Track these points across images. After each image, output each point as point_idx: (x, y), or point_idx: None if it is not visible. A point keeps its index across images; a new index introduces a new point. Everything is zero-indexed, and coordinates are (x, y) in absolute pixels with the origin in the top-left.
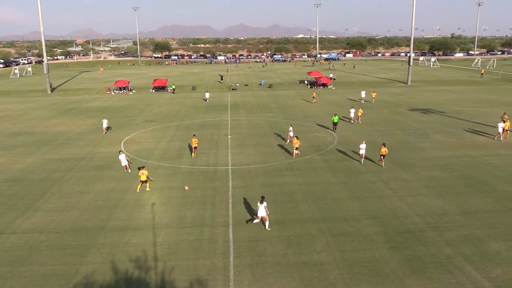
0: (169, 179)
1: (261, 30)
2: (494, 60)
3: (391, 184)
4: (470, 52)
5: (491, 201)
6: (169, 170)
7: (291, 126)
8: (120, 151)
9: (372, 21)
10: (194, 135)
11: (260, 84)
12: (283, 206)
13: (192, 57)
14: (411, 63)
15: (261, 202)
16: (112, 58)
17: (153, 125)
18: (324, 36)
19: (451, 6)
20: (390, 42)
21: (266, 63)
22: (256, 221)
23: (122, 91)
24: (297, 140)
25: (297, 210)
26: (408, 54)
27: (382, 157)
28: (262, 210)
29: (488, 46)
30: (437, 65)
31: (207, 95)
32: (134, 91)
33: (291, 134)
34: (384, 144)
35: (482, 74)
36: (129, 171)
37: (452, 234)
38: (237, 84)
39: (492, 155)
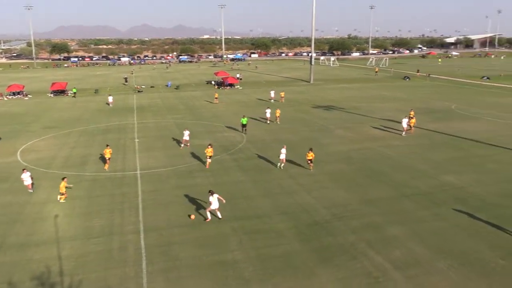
0: (72, 188)
1: (166, 30)
2: (386, 59)
3: (299, 179)
4: (365, 51)
5: (388, 189)
6: (72, 179)
7: (187, 130)
8: (24, 169)
9: (276, 22)
10: (107, 145)
11: (167, 86)
12: (195, 208)
13: (94, 58)
14: (313, 63)
15: (212, 195)
16: (4, 60)
17: (53, 132)
18: (230, 37)
19: (347, 8)
20: (293, 43)
21: (170, 64)
22: (209, 215)
23: (16, 96)
24: (211, 149)
25: None
26: (310, 54)
27: (309, 161)
28: (216, 203)
29: (381, 46)
30: (337, 64)
31: (110, 99)
32: (30, 95)
33: (187, 138)
34: (311, 149)
35: (376, 72)
36: (31, 191)
37: (356, 223)
38: (143, 86)
39: (388, 147)
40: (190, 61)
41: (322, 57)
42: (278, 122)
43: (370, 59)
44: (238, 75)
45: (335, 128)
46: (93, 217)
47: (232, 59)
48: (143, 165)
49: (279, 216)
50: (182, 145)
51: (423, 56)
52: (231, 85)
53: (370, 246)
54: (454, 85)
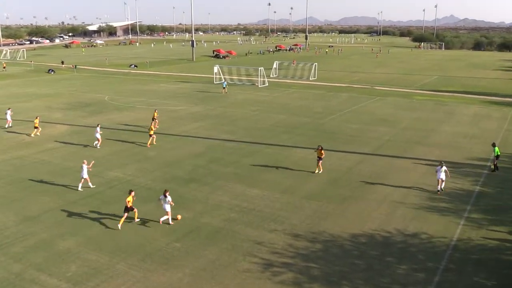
0: None
1: None
2: (23, 50)
3: None
4: None
5: (53, 198)
6: None
7: None
8: None
9: None
10: None
11: None
12: None
13: None
14: None
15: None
16: None
17: None
18: None
19: None
20: None
21: None
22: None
23: None
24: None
25: None
26: None
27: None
28: (167, 206)
29: (15, 35)
30: None
31: None
32: None
33: None
34: None
35: (4, 67)
36: None
37: (18, 248)
38: None
39: (43, 152)
40: None
41: None
42: (33, 135)
43: (4, 52)
44: None
45: None
46: None
47: None
48: None
49: None
50: None
51: (66, 46)
52: None
53: (41, 270)
54: (103, 75)
